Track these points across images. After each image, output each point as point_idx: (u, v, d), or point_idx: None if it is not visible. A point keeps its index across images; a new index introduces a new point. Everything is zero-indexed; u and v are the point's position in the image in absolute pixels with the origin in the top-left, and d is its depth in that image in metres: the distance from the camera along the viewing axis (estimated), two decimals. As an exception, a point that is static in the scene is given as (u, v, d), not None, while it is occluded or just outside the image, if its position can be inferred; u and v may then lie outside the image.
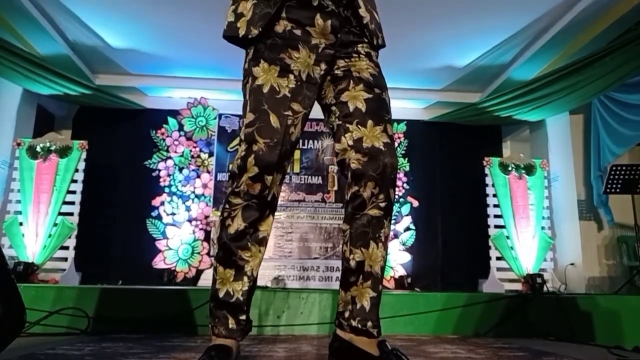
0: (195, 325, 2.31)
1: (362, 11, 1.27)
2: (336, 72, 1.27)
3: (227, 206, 1.23)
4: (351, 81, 1.25)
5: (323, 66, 1.23)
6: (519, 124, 5.69)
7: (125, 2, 4.11)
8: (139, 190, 5.28)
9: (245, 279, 1.23)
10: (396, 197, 5.72)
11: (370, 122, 1.22)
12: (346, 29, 1.27)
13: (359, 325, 1.18)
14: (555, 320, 2.48)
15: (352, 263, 1.22)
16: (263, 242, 1.26)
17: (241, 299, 1.22)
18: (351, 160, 1.22)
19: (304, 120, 1.25)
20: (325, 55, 1.23)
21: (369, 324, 1.18)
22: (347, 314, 1.21)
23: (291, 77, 1.20)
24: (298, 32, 1.21)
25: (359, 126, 1.23)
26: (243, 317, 1.22)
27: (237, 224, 1.21)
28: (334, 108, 1.28)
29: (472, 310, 2.52)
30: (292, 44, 1.20)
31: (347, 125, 1.24)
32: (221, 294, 1.22)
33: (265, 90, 1.19)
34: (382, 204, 1.21)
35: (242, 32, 1.22)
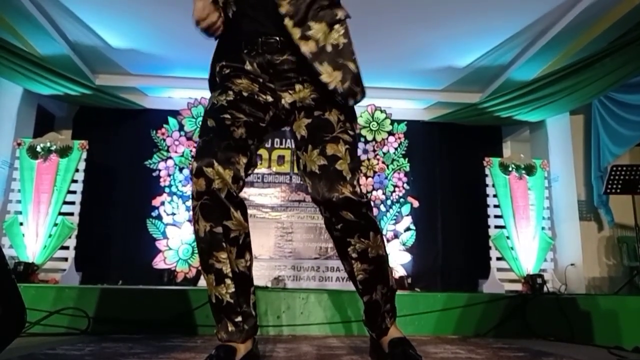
0: (195, 325, 2.31)
1: (325, 77, 1.25)
2: (286, 106, 1.30)
3: (191, 213, 1.26)
4: (296, 112, 1.30)
5: (269, 97, 1.28)
6: (519, 125, 5.69)
7: (126, 2, 4.11)
8: (139, 190, 5.28)
9: (228, 281, 1.21)
10: (399, 191, 5.77)
11: (309, 147, 1.26)
12: (279, 61, 1.28)
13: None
14: (555, 320, 2.48)
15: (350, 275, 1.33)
16: (235, 242, 1.23)
17: (231, 301, 1.21)
18: (307, 187, 1.29)
19: (249, 127, 1.25)
20: (267, 87, 1.29)
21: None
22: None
23: (230, 92, 1.27)
24: (240, 72, 1.31)
25: (304, 153, 1.28)
26: (238, 318, 1.22)
27: (202, 225, 1.21)
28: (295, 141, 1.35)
29: (472, 310, 2.52)
30: (236, 75, 1.30)
31: (298, 154, 1.31)
32: (213, 300, 1.23)
33: (208, 107, 1.29)
34: (338, 226, 1.25)
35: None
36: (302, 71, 1.27)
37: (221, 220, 1.21)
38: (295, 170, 5.36)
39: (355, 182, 1.26)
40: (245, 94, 1.27)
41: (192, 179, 1.21)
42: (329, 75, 1.25)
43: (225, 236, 1.22)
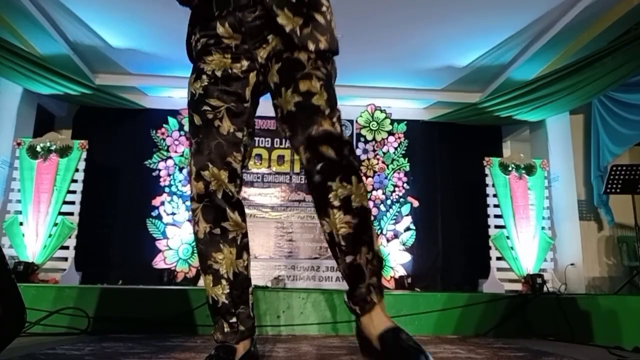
0: (195, 325, 2.31)
1: (281, 19, 1.19)
2: (262, 62, 1.24)
3: (191, 215, 1.26)
4: (269, 63, 1.24)
5: (245, 62, 1.24)
6: (519, 124, 5.69)
7: (126, 2, 4.11)
8: (139, 190, 5.28)
9: (224, 282, 1.22)
10: (399, 191, 5.78)
11: (282, 90, 1.19)
12: (251, 17, 1.22)
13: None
14: (555, 320, 2.48)
15: (326, 236, 1.18)
16: (233, 243, 1.24)
17: (226, 302, 1.21)
18: (286, 135, 1.21)
19: (233, 115, 1.23)
20: (241, 51, 1.23)
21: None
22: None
23: (204, 77, 1.24)
24: (211, 41, 1.25)
25: (277, 99, 1.21)
26: (233, 319, 1.22)
27: (202, 227, 1.22)
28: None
29: (472, 310, 2.52)
30: (205, 51, 1.26)
31: (275, 104, 1.23)
32: (210, 300, 1.24)
33: (189, 98, 1.27)
34: (318, 167, 1.13)
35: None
36: (272, 23, 1.21)
37: (219, 221, 1.22)
38: (296, 170, 5.37)
39: (335, 119, 1.17)
40: (218, 73, 1.24)
41: (192, 182, 1.22)
42: (287, 18, 1.19)
43: (223, 237, 1.22)
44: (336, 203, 1.12)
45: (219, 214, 1.22)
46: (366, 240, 1.12)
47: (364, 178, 1.23)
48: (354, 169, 1.14)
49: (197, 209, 1.23)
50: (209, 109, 1.22)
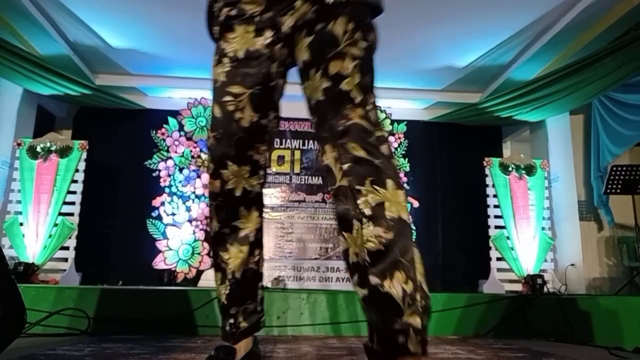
0: (195, 325, 2.31)
1: None
2: (287, 32, 1.09)
3: (209, 210, 1.23)
4: (297, 33, 1.08)
5: (269, 33, 1.10)
6: (519, 124, 5.69)
7: (126, 2, 4.11)
8: (139, 190, 5.28)
9: (227, 282, 1.18)
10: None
11: (312, 72, 1.03)
12: None
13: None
14: (555, 321, 2.48)
15: (346, 258, 0.96)
16: (245, 240, 1.17)
17: (225, 302, 1.19)
18: (315, 128, 1.07)
19: (257, 99, 1.11)
20: (265, 21, 1.10)
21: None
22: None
23: (225, 60, 1.13)
24: (233, 12, 1.12)
25: (306, 83, 1.06)
26: (231, 320, 1.19)
27: (214, 225, 1.18)
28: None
29: (472, 310, 2.52)
30: (227, 27, 1.14)
31: (303, 88, 1.08)
32: (217, 297, 1.23)
33: (212, 85, 1.17)
34: (345, 167, 0.93)
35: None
36: None
37: (230, 220, 1.17)
38: (296, 170, 5.37)
39: (369, 107, 0.99)
40: (241, 53, 1.11)
41: (209, 179, 1.17)
42: None
43: (233, 236, 1.17)
44: (367, 211, 0.89)
45: (231, 213, 1.17)
46: (403, 264, 0.85)
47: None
48: (390, 171, 0.93)
49: (213, 207, 1.18)
50: (231, 98, 1.11)
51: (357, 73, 1.01)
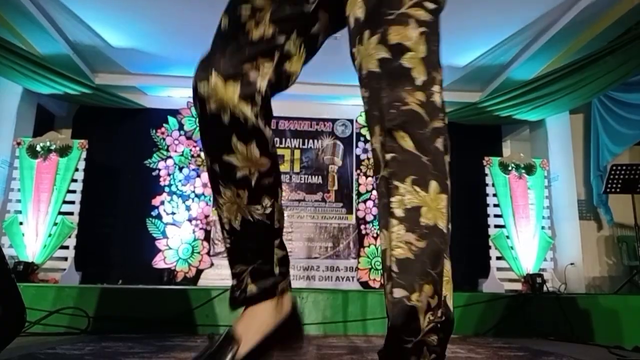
0: (195, 324, 2.31)
1: None
2: None
3: None
4: None
5: None
6: (519, 124, 5.69)
7: (126, 2, 4.11)
8: (139, 189, 5.28)
9: (225, 233, 0.95)
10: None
11: (366, 34, 0.84)
12: None
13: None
14: (555, 320, 2.48)
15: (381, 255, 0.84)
16: (243, 183, 0.90)
17: (229, 258, 0.97)
18: (365, 103, 0.88)
19: (280, 16, 0.88)
20: None
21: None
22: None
23: None
24: None
25: (357, 46, 0.86)
26: (234, 281, 0.95)
27: (205, 159, 0.94)
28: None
29: (472, 309, 2.52)
30: None
31: (353, 52, 0.89)
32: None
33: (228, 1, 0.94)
34: (388, 157, 0.80)
35: None
36: None
37: (219, 154, 0.90)
38: (295, 170, 5.36)
39: (433, 88, 0.83)
40: None
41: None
42: None
43: (226, 175, 0.91)
44: (398, 212, 0.79)
45: (219, 143, 0.89)
46: (433, 277, 0.77)
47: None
48: (438, 171, 0.81)
49: (200, 136, 0.95)
50: (247, 7, 0.87)
51: (423, 44, 0.84)
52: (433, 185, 0.79)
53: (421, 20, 0.84)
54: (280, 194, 0.98)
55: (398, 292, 0.76)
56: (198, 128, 0.96)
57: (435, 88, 0.84)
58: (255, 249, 0.96)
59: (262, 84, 0.88)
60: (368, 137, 5.19)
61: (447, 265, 0.80)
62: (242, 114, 0.86)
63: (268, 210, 0.95)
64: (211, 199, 5.15)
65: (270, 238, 0.98)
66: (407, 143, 0.80)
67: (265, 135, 0.91)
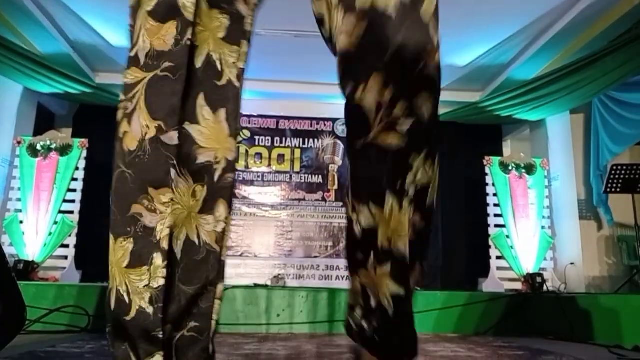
0: (196, 323, 2.31)
1: None
2: None
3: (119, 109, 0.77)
4: None
5: None
6: (519, 123, 5.69)
7: (126, 1, 4.10)
8: (139, 188, 5.28)
9: (156, 256, 0.70)
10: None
11: None
12: None
13: (376, 337, 0.70)
14: (555, 319, 2.48)
15: (357, 229, 0.69)
16: (203, 173, 0.66)
17: (149, 311, 0.68)
18: (336, 32, 0.71)
19: None
20: None
21: (394, 339, 0.68)
22: (357, 312, 0.73)
23: None
24: None
25: None
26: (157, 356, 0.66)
27: (138, 126, 0.68)
28: None
29: (472, 309, 2.52)
30: None
31: None
32: (112, 300, 0.80)
33: None
34: (406, 124, 0.68)
35: None
36: None
37: (176, 118, 0.63)
38: (296, 169, 5.36)
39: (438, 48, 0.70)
40: None
41: (134, 32, 0.71)
42: None
43: (186, 158, 0.64)
44: (411, 191, 0.68)
45: (179, 104, 0.63)
46: (424, 254, 0.72)
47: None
48: (435, 145, 0.75)
49: (138, 82, 0.64)
50: None
51: None
52: (436, 162, 0.74)
53: None
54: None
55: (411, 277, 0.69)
56: (133, 85, 0.63)
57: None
58: (193, 299, 0.63)
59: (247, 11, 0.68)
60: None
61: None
62: (219, 57, 0.65)
63: (220, 228, 0.66)
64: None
65: (216, 278, 0.66)
66: (430, 108, 0.72)
67: (239, 100, 0.68)
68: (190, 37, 0.61)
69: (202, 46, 0.63)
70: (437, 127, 0.75)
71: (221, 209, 0.66)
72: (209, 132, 0.63)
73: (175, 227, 0.61)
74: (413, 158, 0.69)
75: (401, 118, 0.67)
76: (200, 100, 0.62)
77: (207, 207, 0.65)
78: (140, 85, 0.62)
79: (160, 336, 0.58)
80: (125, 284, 0.63)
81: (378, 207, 0.66)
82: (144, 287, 0.61)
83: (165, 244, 0.60)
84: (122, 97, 0.66)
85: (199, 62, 0.62)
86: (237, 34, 0.67)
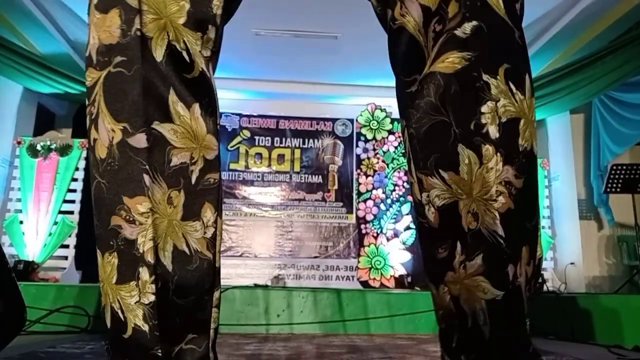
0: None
1: None
2: None
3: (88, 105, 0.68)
4: None
5: None
6: (519, 123, 5.69)
7: (126, 1, 4.11)
8: (139, 188, 5.28)
9: (143, 272, 0.63)
10: (399, 190, 5.72)
11: None
12: None
13: None
14: (555, 319, 2.48)
15: (431, 214, 0.54)
16: (178, 176, 0.59)
17: (143, 328, 0.63)
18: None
19: None
20: None
21: None
22: (455, 341, 0.57)
23: None
24: None
25: None
26: None
27: (105, 132, 0.58)
28: None
29: (472, 309, 2.52)
30: None
31: None
32: (108, 316, 0.69)
33: None
34: (467, 27, 0.54)
35: None
36: None
37: (148, 119, 0.57)
38: (296, 169, 5.36)
39: None
40: None
41: (91, 20, 0.62)
42: None
43: (156, 161, 0.57)
44: (493, 131, 0.50)
45: (146, 102, 0.57)
46: (530, 231, 0.53)
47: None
48: (527, 58, 0.58)
49: (95, 83, 0.58)
50: None
51: None
52: (528, 82, 0.55)
53: None
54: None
55: (513, 270, 0.51)
56: (93, 82, 0.59)
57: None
58: (189, 311, 0.59)
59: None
60: (368, 137, 5.13)
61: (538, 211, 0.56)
62: (180, 44, 0.59)
63: (209, 233, 0.61)
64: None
65: (212, 286, 0.62)
66: (498, 10, 0.53)
67: (214, 92, 0.63)
68: (139, 26, 0.55)
69: (160, 36, 0.57)
70: (519, 27, 0.53)
71: (208, 213, 0.61)
72: (183, 129, 0.58)
73: (158, 237, 0.57)
74: (488, 75, 0.49)
75: (457, 17, 0.49)
76: (172, 96, 0.57)
77: (191, 213, 0.59)
78: (98, 86, 0.57)
79: (159, 354, 0.56)
80: (118, 300, 0.57)
81: (450, 169, 0.48)
82: (135, 303, 0.56)
83: (150, 257, 0.56)
84: (87, 102, 0.60)
85: (159, 55, 0.56)
86: (202, 19, 0.60)
